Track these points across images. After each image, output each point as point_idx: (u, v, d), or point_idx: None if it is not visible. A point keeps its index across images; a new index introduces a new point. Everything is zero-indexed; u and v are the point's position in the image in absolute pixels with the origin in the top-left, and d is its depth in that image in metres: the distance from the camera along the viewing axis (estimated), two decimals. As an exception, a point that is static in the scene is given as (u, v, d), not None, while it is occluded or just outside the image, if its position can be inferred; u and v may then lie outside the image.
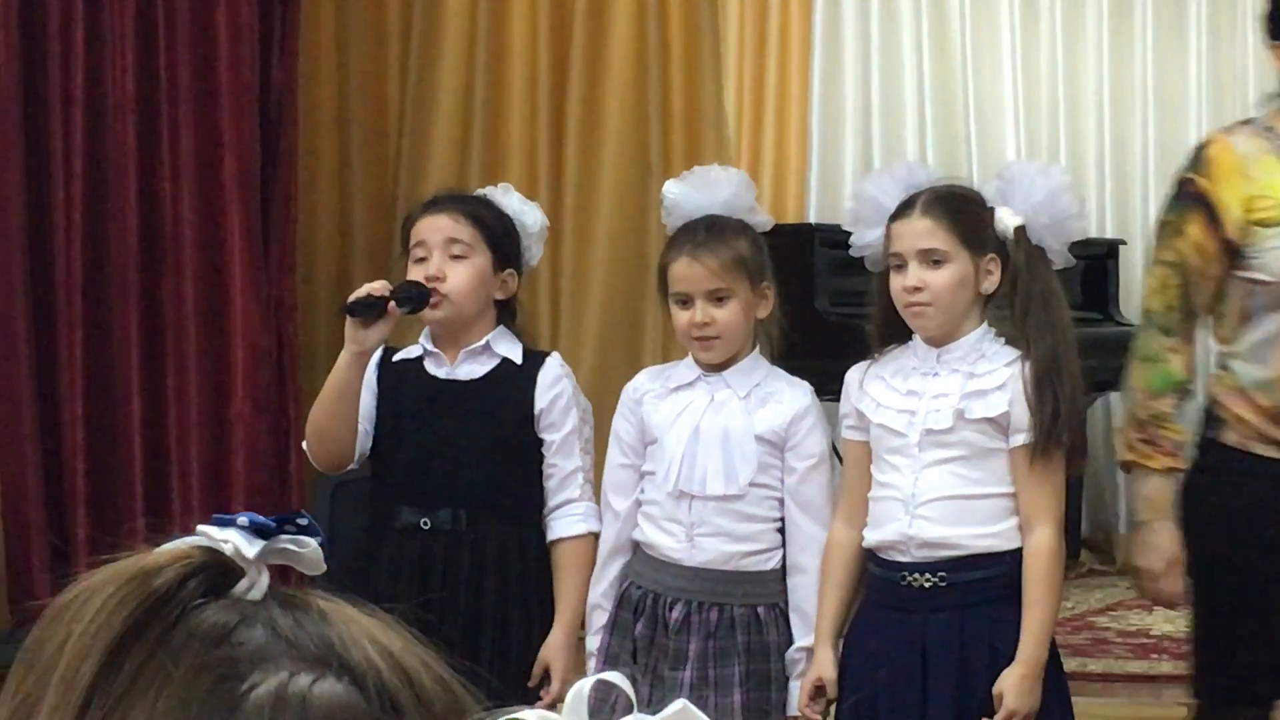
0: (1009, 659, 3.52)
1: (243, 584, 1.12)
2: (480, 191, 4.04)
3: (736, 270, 3.70)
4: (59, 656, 1.09)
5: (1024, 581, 3.54)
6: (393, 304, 3.72)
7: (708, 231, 3.73)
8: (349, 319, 3.73)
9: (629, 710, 0.98)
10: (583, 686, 0.98)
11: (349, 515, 5.21)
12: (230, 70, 5.73)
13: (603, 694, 1.01)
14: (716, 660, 3.68)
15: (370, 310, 3.70)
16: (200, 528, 1.14)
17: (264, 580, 1.12)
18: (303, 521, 1.17)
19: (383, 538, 3.86)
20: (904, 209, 3.63)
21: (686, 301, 3.72)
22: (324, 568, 1.17)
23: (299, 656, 1.07)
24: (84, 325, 5.53)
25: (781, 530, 3.73)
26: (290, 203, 5.95)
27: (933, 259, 3.59)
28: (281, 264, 5.90)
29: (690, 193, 3.82)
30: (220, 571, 1.12)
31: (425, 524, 3.79)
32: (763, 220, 3.87)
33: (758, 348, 3.78)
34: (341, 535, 5.52)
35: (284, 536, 1.15)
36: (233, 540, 1.13)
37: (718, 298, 3.70)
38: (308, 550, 1.16)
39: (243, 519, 1.14)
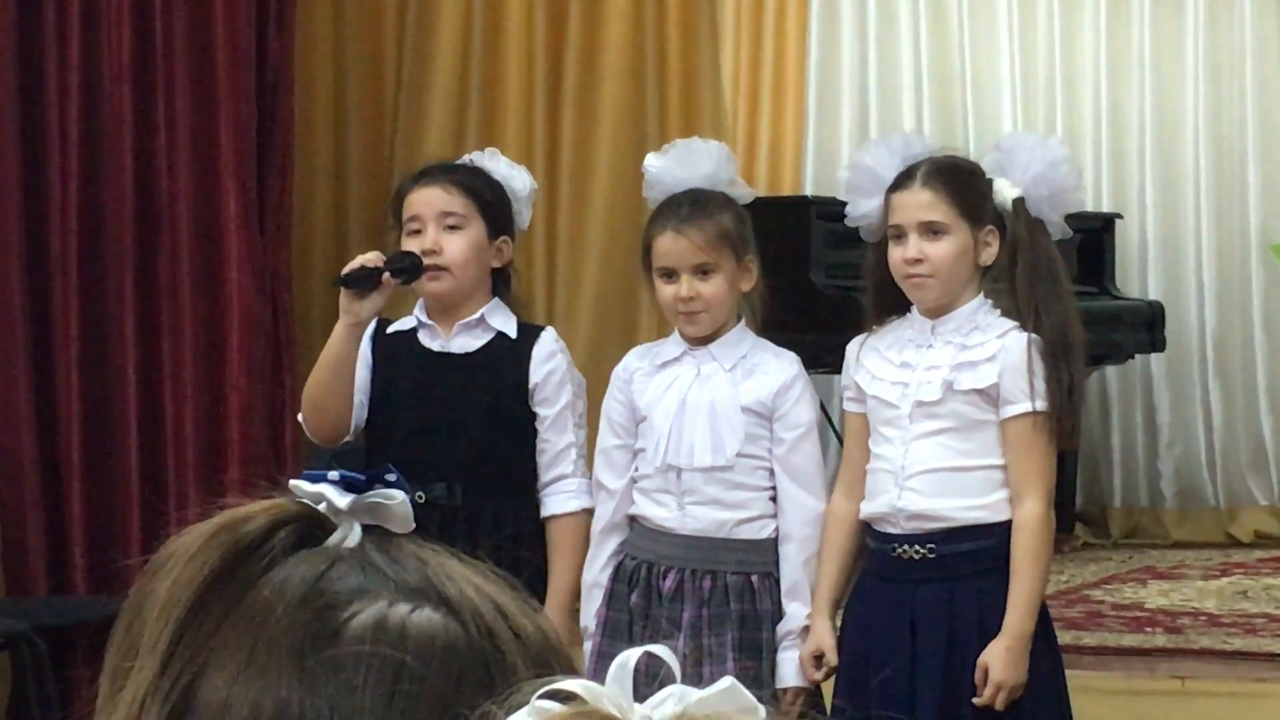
0: (997, 631, 3.53)
1: (336, 536, 1.14)
2: (466, 158, 4.03)
3: (721, 244, 3.71)
4: (153, 603, 1.11)
5: (1011, 554, 3.55)
6: (387, 275, 3.72)
7: (692, 206, 3.74)
8: (343, 291, 3.73)
9: (671, 682, 0.98)
10: (628, 658, 0.98)
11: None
12: (226, 39, 5.72)
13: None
14: (710, 628, 3.68)
15: (365, 282, 3.70)
16: (292, 483, 1.16)
17: (357, 532, 1.14)
18: (391, 478, 1.18)
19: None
20: (904, 180, 3.62)
21: (671, 275, 3.73)
22: (413, 524, 1.18)
23: (396, 589, 1.10)
24: (79, 294, 5.52)
25: (774, 499, 3.74)
26: (286, 172, 5.94)
27: (933, 230, 3.59)
28: (277, 233, 5.89)
29: (671, 166, 3.82)
30: (313, 524, 1.14)
31: (420, 497, 3.80)
32: (743, 193, 3.87)
33: (743, 320, 3.79)
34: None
35: (374, 492, 1.16)
36: (325, 494, 1.14)
37: (703, 271, 3.71)
38: (397, 504, 1.17)
39: (334, 474, 1.15)
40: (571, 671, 1.06)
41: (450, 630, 1.09)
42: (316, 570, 1.10)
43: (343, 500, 1.14)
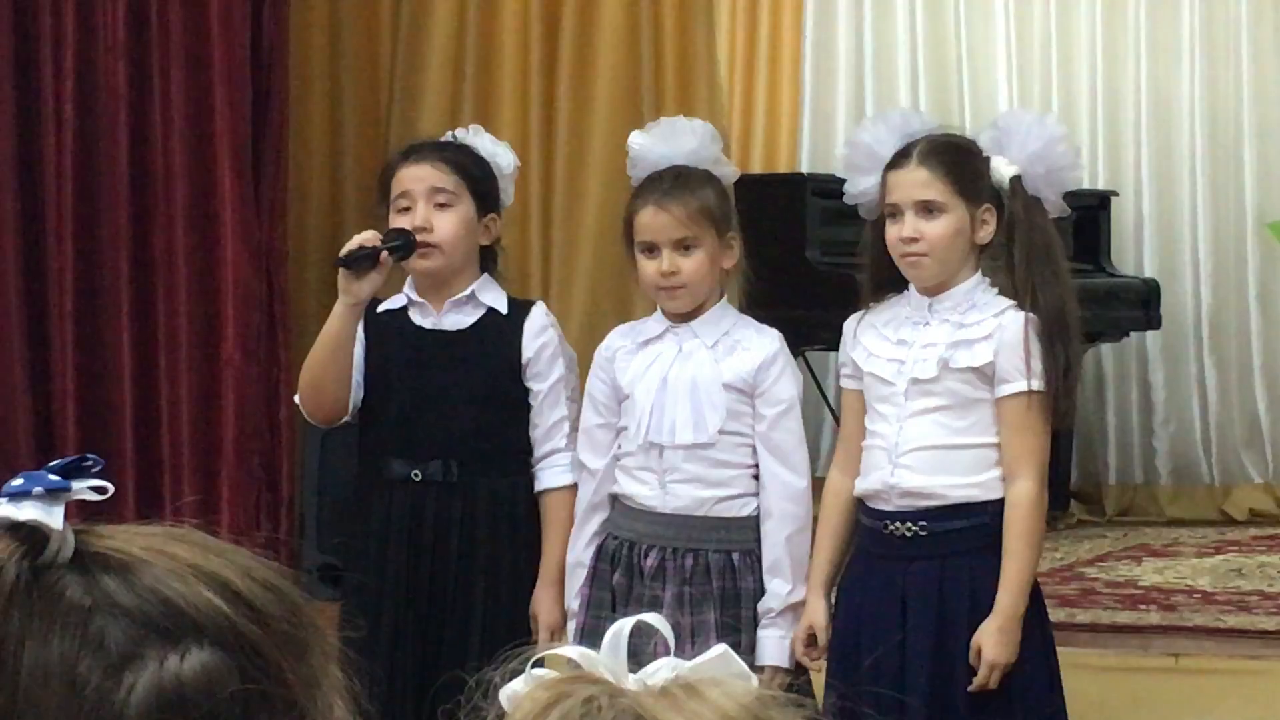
0: (989, 609, 3.53)
1: (51, 549, 1.14)
2: (449, 135, 4.03)
3: (703, 219, 3.71)
4: None
5: (1004, 532, 3.55)
6: (384, 253, 3.73)
7: (674, 181, 3.74)
8: (341, 272, 3.74)
9: (667, 653, 0.98)
10: (623, 627, 0.98)
11: (339, 462, 5.21)
12: (221, 15, 5.71)
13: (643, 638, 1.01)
14: (691, 607, 3.68)
15: (364, 262, 3.72)
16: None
17: (70, 542, 1.15)
18: (90, 465, 1.19)
19: (373, 489, 3.87)
20: (900, 158, 3.62)
21: (653, 250, 3.73)
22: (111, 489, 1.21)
23: (155, 631, 1.10)
24: (75, 269, 5.52)
25: (757, 476, 3.73)
26: (281, 148, 5.93)
27: (929, 209, 3.59)
28: (272, 210, 5.88)
29: (655, 144, 3.83)
30: (35, 538, 1.15)
31: (416, 475, 3.80)
32: (728, 172, 3.88)
33: (725, 298, 3.79)
34: (331, 482, 5.52)
35: (75, 491, 1.17)
36: (37, 515, 1.15)
37: (684, 247, 3.71)
38: (105, 498, 1.19)
39: (37, 487, 1.16)
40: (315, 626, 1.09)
41: (219, 665, 1.10)
42: (71, 647, 1.10)
43: (53, 517, 1.15)
